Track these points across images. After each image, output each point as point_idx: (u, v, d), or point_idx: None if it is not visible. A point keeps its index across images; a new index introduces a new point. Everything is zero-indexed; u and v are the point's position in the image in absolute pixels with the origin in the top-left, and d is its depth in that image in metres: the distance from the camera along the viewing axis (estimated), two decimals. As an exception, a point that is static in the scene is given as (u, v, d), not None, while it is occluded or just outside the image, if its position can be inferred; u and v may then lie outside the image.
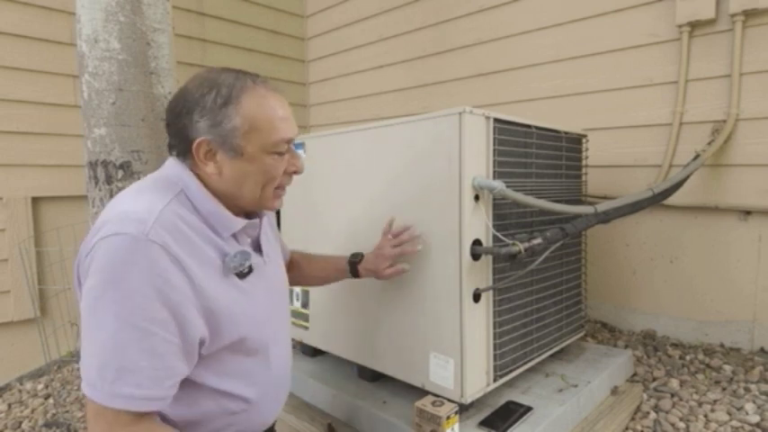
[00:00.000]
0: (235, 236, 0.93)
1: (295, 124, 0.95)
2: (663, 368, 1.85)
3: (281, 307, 1.08)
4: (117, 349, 0.75)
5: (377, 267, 1.31)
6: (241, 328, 0.89)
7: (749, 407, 1.54)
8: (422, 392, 1.32)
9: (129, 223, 0.77)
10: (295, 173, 0.97)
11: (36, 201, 2.45)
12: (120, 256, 0.75)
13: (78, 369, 0.85)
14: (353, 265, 1.34)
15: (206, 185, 0.90)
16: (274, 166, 0.91)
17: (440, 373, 1.31)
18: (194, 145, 0.87)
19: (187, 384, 0.86)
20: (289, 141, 0.92)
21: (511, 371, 1.42)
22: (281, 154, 0.91)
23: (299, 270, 1.39)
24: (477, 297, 1.28)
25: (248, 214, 0.98)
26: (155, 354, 0.76)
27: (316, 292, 1.70)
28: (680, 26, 1.96)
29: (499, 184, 1.23)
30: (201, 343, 0.84)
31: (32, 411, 2.07)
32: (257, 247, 1.01)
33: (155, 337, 0.76)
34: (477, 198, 1.26)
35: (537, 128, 1.45)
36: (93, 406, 0.77)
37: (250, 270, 0.93)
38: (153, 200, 0.82)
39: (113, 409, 0.76)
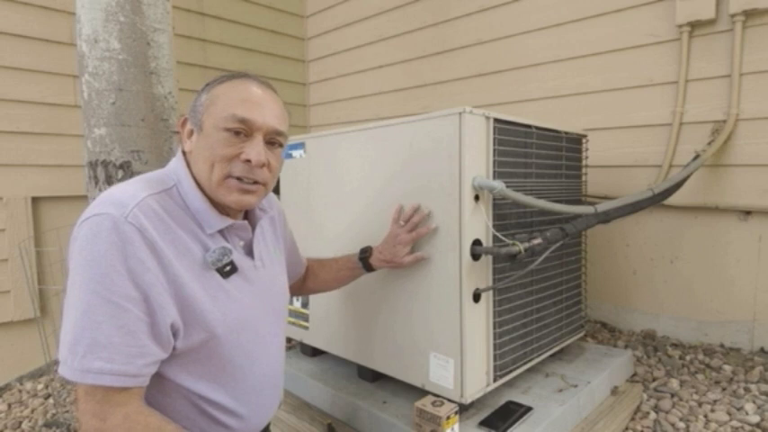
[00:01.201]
0: (225, 236, 0.94)
1: (265, 114, 0.90)
2: (663, 368, 1.85)
3: (270, 314, 1.04)
4: (90, 324, 0.75)
5: (394, 256, 1.31)
6: (217, 327, 0.88)
7: (749, 407, 1.54)
8: (422, 392, 1.32)
9: (109, 205, 0.80)
10: (247, 161, 0.89)
11: (36, 201, 2.45)
12: (97, 234, 0.77)
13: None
14: (365, 260, 1.35)
15: (192, 174, 0.92)
16: (221, 143, 0.88)
17: (440, 373, 1.31)
18: (180, 122, 0.96)
19: (166, 384, 0.86)
20: (243, 121, 0.88)
21: (511, 371, 1.42)
22: (237, 134, 0.88)
23: (315, 276, 1.39)
24: (477, 297, 1.28)
25: (245, 216, 1.00)
26: (127, 331, 0.77)
27: (316, 292, 1.70)
28: (680, 26, 1.96)
29: (499, 184, 1.23)
30: (175, 332, 0.83)
31: (32, 411, 2.06)
32: (249, 251, 1.01)
33: (128, 314, 0.77)
34: (477, 198, 1.26)
35: (537, 128, 1.45)
36: (82, 387, 0.77)
37: (233, 269, 0.93)
38: (139, 189, 0.85)
39: (102, 387, 0.76)
